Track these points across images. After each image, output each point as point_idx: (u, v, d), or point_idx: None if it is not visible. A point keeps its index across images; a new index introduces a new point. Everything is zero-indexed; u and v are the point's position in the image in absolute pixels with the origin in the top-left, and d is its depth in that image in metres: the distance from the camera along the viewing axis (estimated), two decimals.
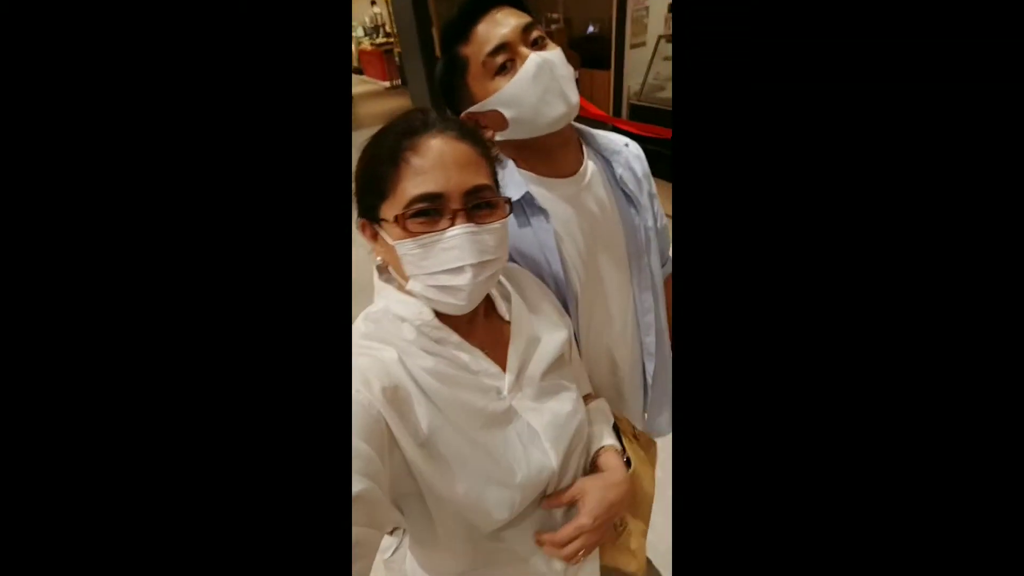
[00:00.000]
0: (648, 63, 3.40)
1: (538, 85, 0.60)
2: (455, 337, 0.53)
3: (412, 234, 0.47)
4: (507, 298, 0.60)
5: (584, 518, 0.55)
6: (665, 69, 3.21)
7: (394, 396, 0.47)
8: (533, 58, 0.60)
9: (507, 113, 0.63)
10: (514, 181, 0.67)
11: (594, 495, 0.56)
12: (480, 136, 0.52)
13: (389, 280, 0.56)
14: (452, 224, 0.47)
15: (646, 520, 0.72)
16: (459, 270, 0.48)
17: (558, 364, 0.61)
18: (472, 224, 0.48)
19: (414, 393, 0.49)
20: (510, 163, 0.67)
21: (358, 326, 0.53)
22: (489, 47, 0.60)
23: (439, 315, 0.52)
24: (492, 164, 0.53)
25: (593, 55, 3.94)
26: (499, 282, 0.61)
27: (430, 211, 0.47)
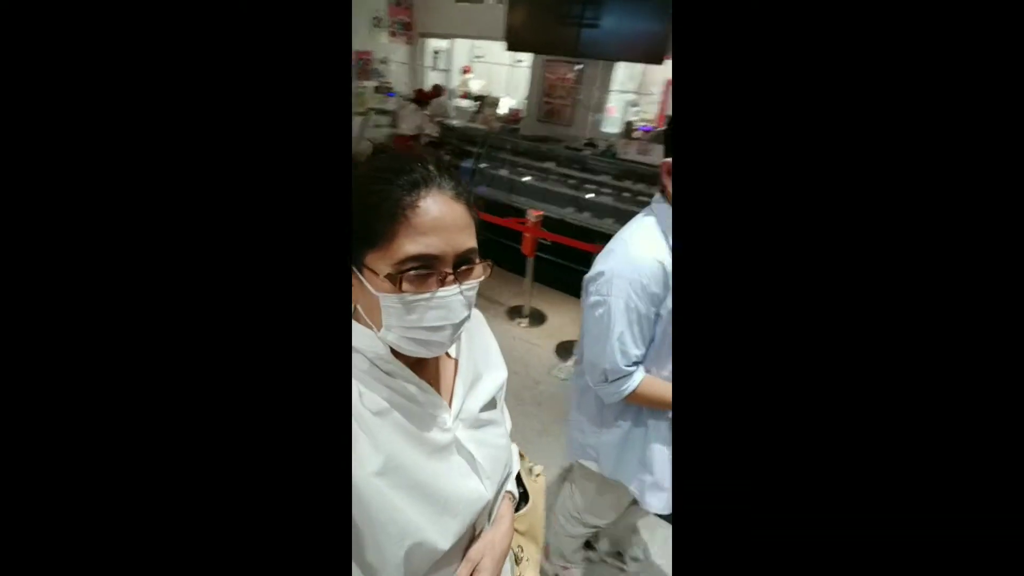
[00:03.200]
0: None
1: None
2: (406, 371, 0.54)
3: (402, 292, 0.48)
4: (458, 340, 0.62)
5: None
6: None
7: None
8: None
9: None
10: None
11: (488, 562, 0.59)
12: (471, 194, 0.53)
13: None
14: (442, 284, 0.49)
15: (540, 541, 0.79)
16: (440, 329, 0.50)
17: (493, 401, 0.65)
18: (458, 284, 0.50)
19: (364, 421, 0.50)
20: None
21: None
22: None
23: (392, 350, 0.54)
24: (476, 223, 0.53)
25: None
26: None
27: (422, 270, 0.48)
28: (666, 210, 0.93)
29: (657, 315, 0.93)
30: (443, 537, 0.53)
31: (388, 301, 0.49)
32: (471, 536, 0.60)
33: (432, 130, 4.31)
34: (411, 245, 0.47)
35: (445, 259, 0.49)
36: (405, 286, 0.48)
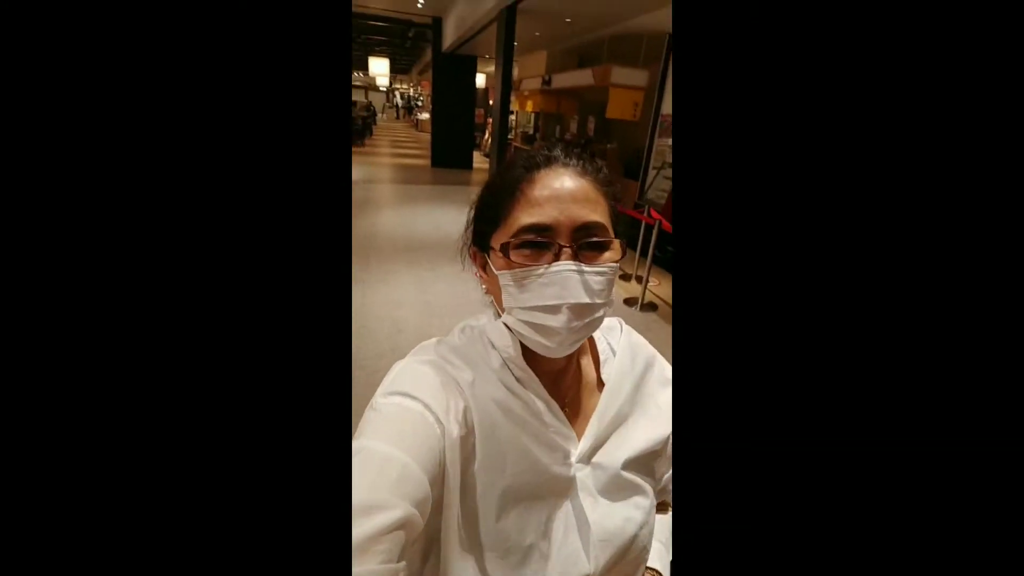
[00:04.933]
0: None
1: None
2: (536, 383, 0.50)
3: (515, 265, 0.46)
4: (611, 357, 0.57)
5: None
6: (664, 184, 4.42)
7: (463, 419, 0.45)
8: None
9: None
10: None
11: None
12: (602, 173, 0.50)
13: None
14: (557, 259, 0.46)
15: None
16: (555, 308, 0.46)
17: (646, 460, 0.54)
18: (576, 262, 0.46)
19: (477, 423, 0.46)
20: None
21: (453, 336, 0.53)
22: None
23: (529, 357, 0.50)
24: (612, 206, 0.50)
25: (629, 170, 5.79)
26: (606, 334, 0.59)
27: (537, 243, 0.46)
28: None
29: None
30: None
31: (504, 279, 0.48)
32: None
33: None
34: (525, 216, 0.46)
35: (560, 229, 0.46)
36: (516, 258, 0.46)
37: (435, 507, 0.42)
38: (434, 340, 0.54)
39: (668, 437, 0.55)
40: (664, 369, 0.59)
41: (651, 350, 0.60)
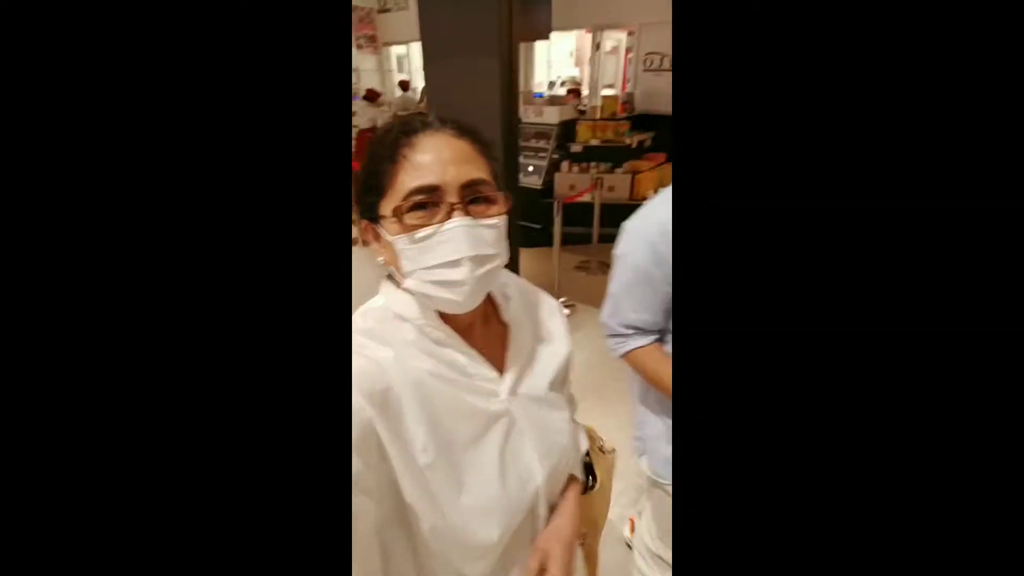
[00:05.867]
0: None
1: None
2: (456, 338, 0.53)
3: (409, 228, 0.48)
4: (507, 300, 0.61)
5: (556, 571, 0.55)
6: None
7: (384, 400, 0.47)
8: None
9: None
10: None
11: (557, 549, 0.57)
12: (479, 135, 0.53)
13: (390, 280, 0.56)
14: (449, 217, 0.48)
15: (602, 526, 0.77)
16: (456, 263, 0.48)
17: (558, 381, 0.62)
18: (469, 217, 0.48)
19: (408, 399, 0.49)
20: None
21: (356, 321, 0.53)
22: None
23: (440, 317, 0.53)
24: (491, 162, 0.53)
25: None
26: (501, 285, 0.62)
27: (427, 204, 0.48)
28: None
29: None
30: (492, 523, 0.51)
31: (401, 243, 0.49)
32: (532, 524, 0.58)
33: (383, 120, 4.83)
34: (410, 179, 0.48)
35: (447, 188, 0.48)
36: (410, 220, 0.48)
37: (388, 490, 0.48)
38: None
39: (568, 356, 0.64)
40: (548, 301, 0.68)
41: (535, 288, 0.68)
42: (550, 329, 0.64)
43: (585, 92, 5.57)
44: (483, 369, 0.55)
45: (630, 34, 4.93)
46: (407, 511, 0.49)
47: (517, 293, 0.62)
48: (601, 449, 0.76)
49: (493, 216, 0.50)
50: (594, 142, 4.11)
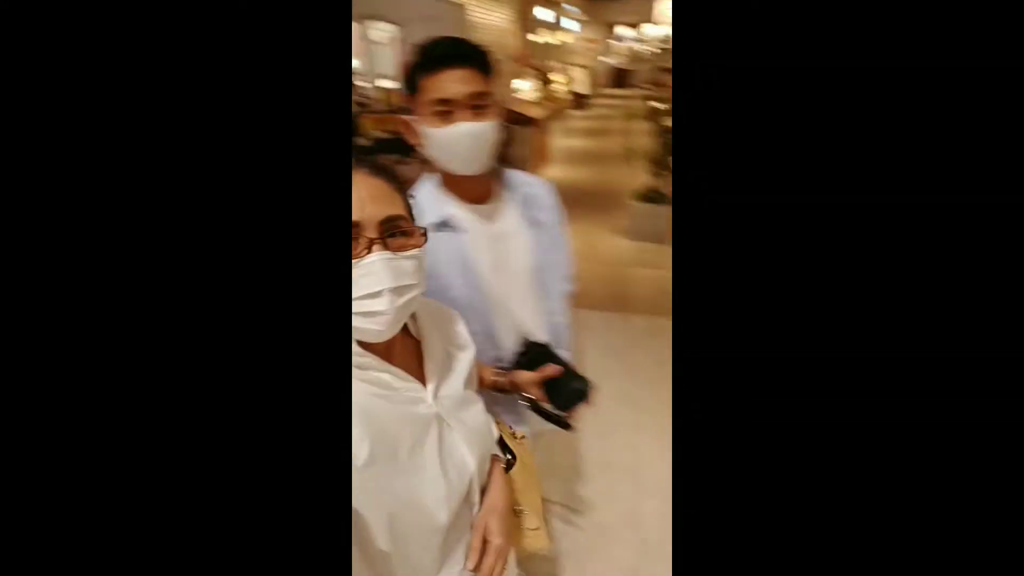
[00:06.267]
0: None
1: (460, 145, 0.75)
2: (377, 360, 0.56)
3: None
4: (414, 318, 0.65)
5: (496, 540, 0.62)
6: None
7: None
8: (465, 127, 0.74)
9: (432, 151, 0.78)
10: (439, 200, 0.81)
11: (494, 522, 0.63)
12: (393, 172, 0.56)
13: None
14: (369, 252, 0.50)
15: (539, 497, 0.83)
16: (377, 295, 0.51)
17: (470, 379, 0.69)
18: (388, 252, 0.51)
19: (355, 420, 0.51)
20: (433, 185, 0.81)
21: None
22: (436, 96, 0.74)
23: (361, 346, 0.55)
24: (406, 198, 0.57)
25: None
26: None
27: None
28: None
29: None
30: (439, 509, 0.56)
31: None
32: (470, 510, 0.63)
33: None
34: None
35: (366, 224, 0.51)
36: None
37: None
38: None
39: (474, 356, 0.72)
40: (447, 310, 0.74)
41: (432, 300, 0.73)
42: (455, 335, 0.71)
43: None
44: (407, 383, 0.59)
45: None
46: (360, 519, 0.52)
47: (421, 309, 0.66)
48: (513, 435, 0.84)
49: (411, 248, 0.54)
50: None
